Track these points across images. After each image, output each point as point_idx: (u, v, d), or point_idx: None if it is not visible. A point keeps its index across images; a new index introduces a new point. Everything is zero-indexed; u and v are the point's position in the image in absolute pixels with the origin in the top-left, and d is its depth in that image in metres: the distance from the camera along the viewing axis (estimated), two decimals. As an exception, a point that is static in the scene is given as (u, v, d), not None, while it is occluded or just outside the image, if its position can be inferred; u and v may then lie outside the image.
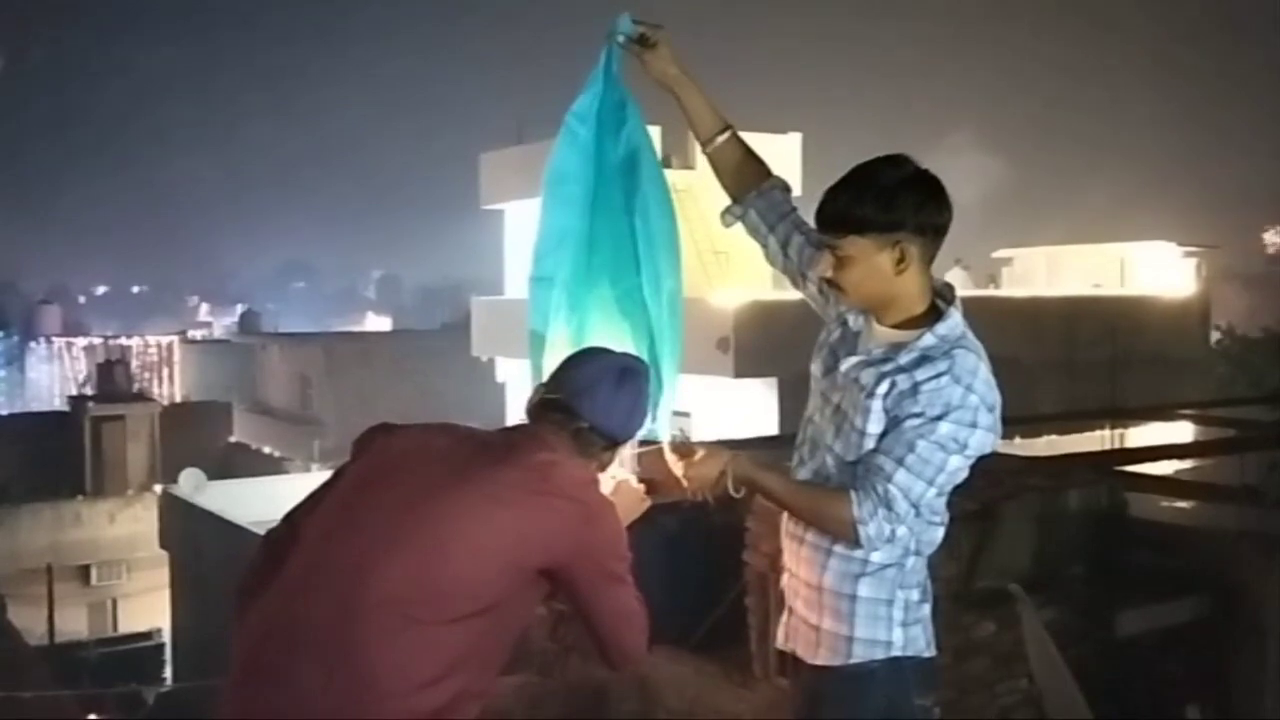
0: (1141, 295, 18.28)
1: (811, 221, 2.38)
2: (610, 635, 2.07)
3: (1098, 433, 9.46)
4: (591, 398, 2.10)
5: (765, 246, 2.59)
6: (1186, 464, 7.98)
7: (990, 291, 18.83)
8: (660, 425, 2.41)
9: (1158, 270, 19.44)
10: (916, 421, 2.16)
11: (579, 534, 1.97)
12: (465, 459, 1.96)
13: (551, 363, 2.46)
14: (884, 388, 2.20)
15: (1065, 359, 15.23)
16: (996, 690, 4.65)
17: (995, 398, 2.20)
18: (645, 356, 2.43)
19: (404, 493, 1.92)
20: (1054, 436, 9.34)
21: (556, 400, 2.10)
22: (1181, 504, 6.50)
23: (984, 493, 4.81)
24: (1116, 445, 9.06)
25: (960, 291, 2.37)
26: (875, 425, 2.21)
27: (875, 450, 2.20)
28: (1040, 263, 21.04)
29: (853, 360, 2.28)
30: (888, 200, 2.18)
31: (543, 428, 2.09)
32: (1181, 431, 9.47)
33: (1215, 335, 19.50)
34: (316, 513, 1.99)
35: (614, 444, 2.16)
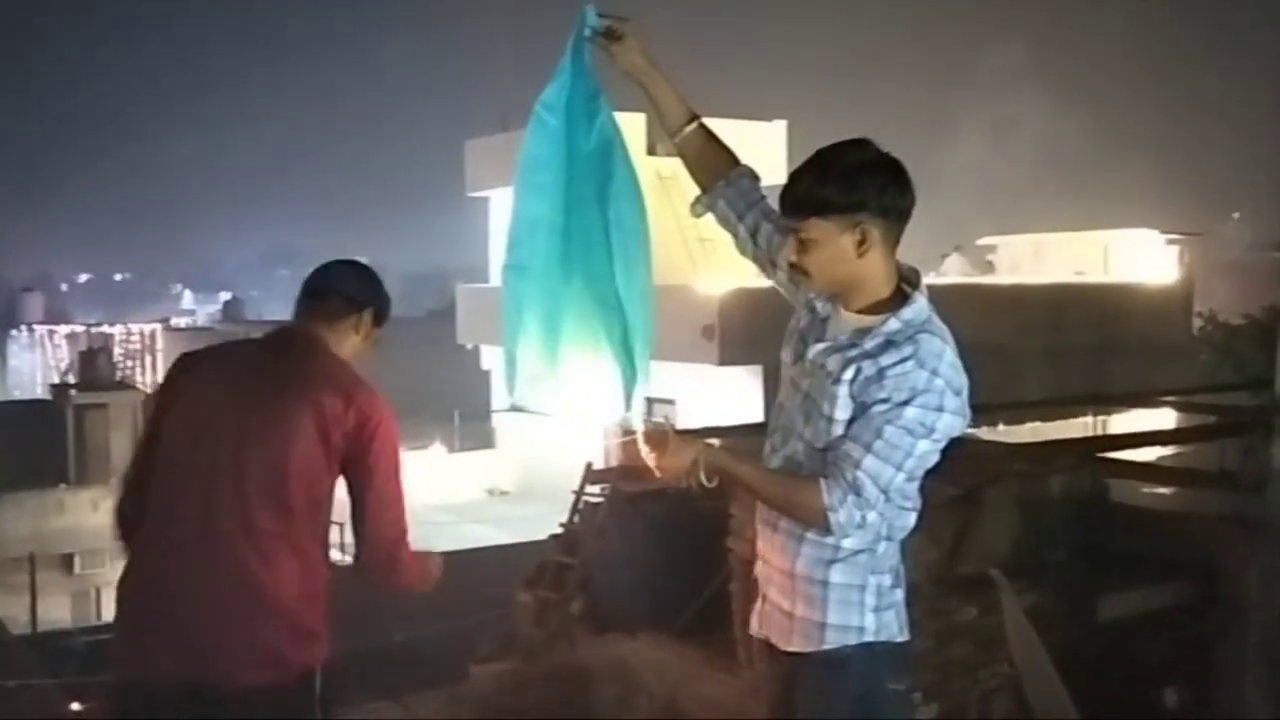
0: (1124, 282, 18.36)
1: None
2: (375, 521, 2.54)
3: (1081, 419, 9.49)
4: (359, 288, 2.73)
5: (735, 235, 2.60)
6: (1169, 450, 8.02)
7: (974, 279, 18.90)
8: (635, 414, 2.42)
9: (1141, 257, 19.53)
10: (883, 407, 2.17)
11: (367, 430, 2.52)
12: (276, 384, 2.55)
13: (525, 351, 2.48)
14: (850, 374, 2.21)
15: (1048, 346, 15.30)
16: (978, 675, 4.67)
17: (962, 381, 2.21)
18: (619, 345, 2.45)
19: (240, 429, 2.49)
20: (1037, 423, 9.37)
21: (337, 303, 2.70)
22: (1162, 490, 6.54)
23: (966, 478, 4.82)
24: (1100, 432, 9.10)
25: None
26: (843, 412, 2.21)
27: (844, 437, 2.21)
28: (1025, 250, 21.11)
29: (820, 347, 2.29)
30: (849, 182, 2.20)
31: (316, 329, 2.67)
32: (1164, 418, 9.51)
33: (1198, 322, 19.59)
34: (175, 460, 2.53)
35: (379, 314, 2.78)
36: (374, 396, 2.57)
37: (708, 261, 14.63)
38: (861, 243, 2.22)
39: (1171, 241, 20.34)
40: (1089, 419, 9.57)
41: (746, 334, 13.42)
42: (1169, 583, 5.18)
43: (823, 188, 2.22)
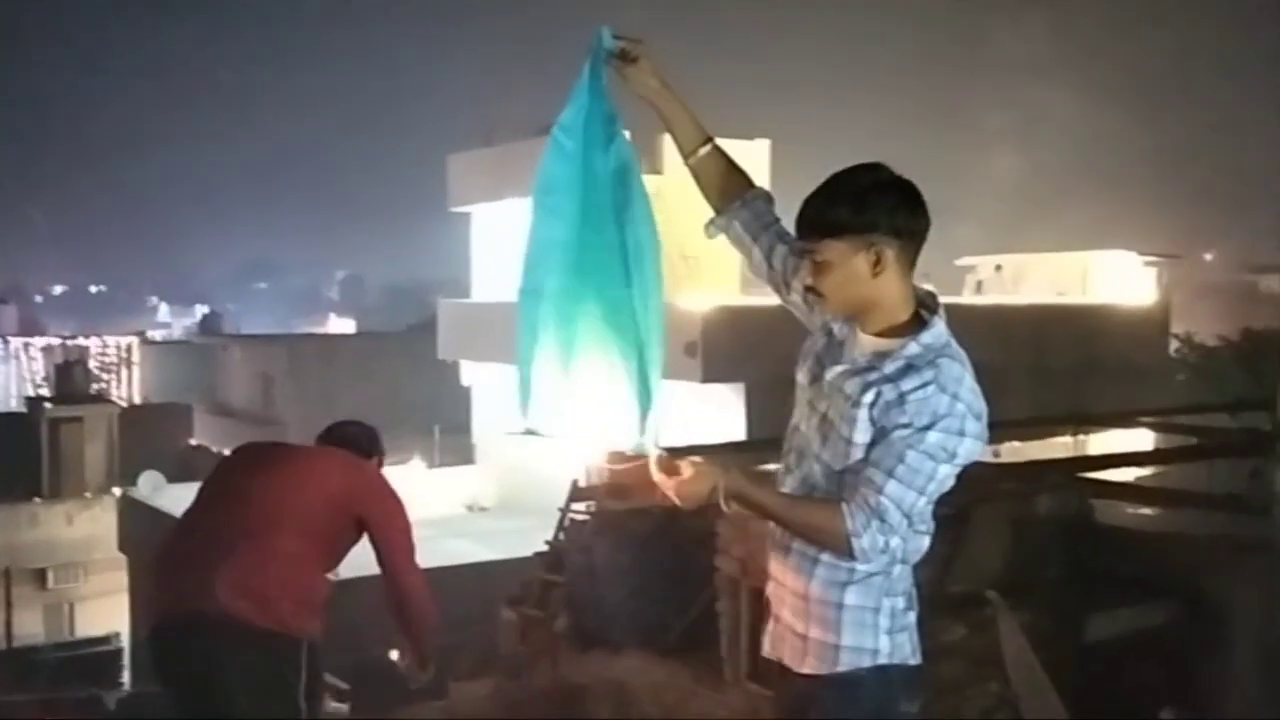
0: (1101, 304, 18.49)
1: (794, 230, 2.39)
2: (383, 573, 3.49)
3: (1061, 439, 9.52)
4: (368, 443, 3.75)
5: (749, 257, 2.60)
6: (1147, 470, 8.03)
7: (953, 299, 18.99)
8: (648, 438, 2.39)
9: (1119, 279, 19.68)
10: (905, 432, 2.17)
11: (377, 498, 3.48)
12: (309, 457, 3.60)
13: (540, 374, 2.45)
14: (870, 397, 2.21)
15: (1026, 365, 15.35)
16: (968, 694, 4.67)
17: (981, 405, 2.22)
18: (634, 368, 2.43)
19: (275, 485, 3.43)
20: (1017, 443, 9.38)
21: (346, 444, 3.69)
22: (1146, 510, 6.55)
23: (956, 497, 4.79)
24: (1079, 452, 9.12)
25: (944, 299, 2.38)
26: (862, 435, 2.22)
27: (865, 462, 2.21)
28: (1005, 270, 21.23)
29: (838, 369, 2.29)
30: (861, 202, 2.21)
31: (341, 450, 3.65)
32: (1142, 438, 9.55)
33: (1174, 343, 19.74)
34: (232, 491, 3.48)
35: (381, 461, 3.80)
36: (374, 481, 3.53)
37: (691, 279, 14.63)
38: (876, 263, 2.22)
39: (1150, 263, 20.53)
40: (1069, 439, 9.60)
41: (729, 351, 13.42)
42: (1159, 602, 5.19)
43: (834, 208, 2.23)
